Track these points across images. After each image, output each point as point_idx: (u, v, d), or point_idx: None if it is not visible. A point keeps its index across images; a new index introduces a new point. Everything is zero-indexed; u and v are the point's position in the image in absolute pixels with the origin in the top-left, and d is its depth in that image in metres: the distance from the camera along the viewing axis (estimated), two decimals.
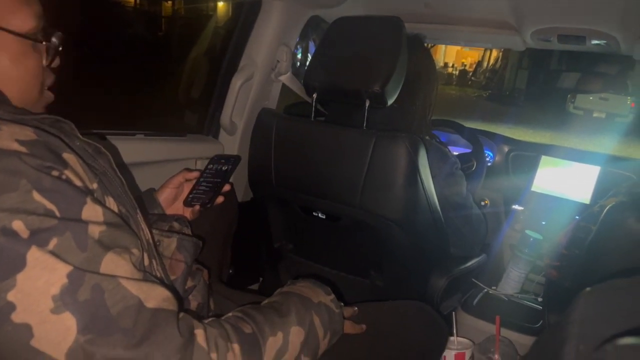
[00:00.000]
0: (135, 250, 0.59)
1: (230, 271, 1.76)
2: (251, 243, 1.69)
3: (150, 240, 0.73)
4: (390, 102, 1.23)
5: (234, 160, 1.10)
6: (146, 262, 0.65)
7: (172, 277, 0.83)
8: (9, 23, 0.63)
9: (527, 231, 1.64)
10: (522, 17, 1.54)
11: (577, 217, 1.52)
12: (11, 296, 0.48)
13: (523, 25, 1.58)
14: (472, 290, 1.62)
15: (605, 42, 1.54)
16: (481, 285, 1.62)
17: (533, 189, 1.78)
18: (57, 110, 0.68)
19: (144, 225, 0.71)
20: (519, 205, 1.80)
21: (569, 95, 11.07)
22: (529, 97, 13.61)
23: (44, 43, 0.68)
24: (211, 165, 1.10)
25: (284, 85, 1.78)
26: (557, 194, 1.73)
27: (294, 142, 1.33)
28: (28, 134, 0.53)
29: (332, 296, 0.85)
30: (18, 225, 0.48)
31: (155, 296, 0.56)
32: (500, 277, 1.69)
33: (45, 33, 0.68)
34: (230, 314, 0.70)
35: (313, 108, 1.34)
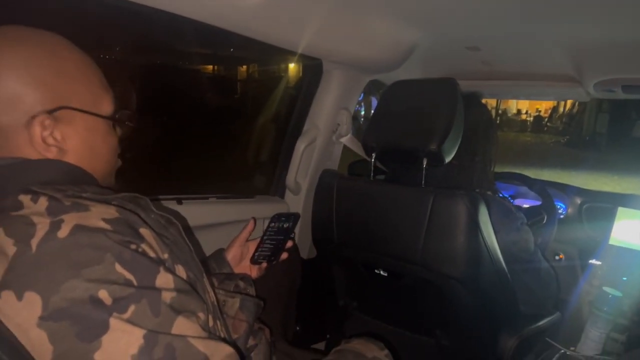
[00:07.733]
0: (201, 314, 0.64)
1: (297, 329, 1.78)
2: (316, 301, 1.72)
3: (215, 302, 0.78)
4: (447, 159, 1.24)
5: (294, 218, 1.16)
6: (210, 322, 0.70)
7: (235, 336, 0.88)
8: (100, 109, 0.73)
9: (605, 288, 1.54)
10: (583, 69, 1.53)
11: None
12: (97, 356, 0.54)
13: (585, 77, 1.56)
14: (547, 351, 1.52)
15: None
16: (557, 345, 1.53)
17: (611, 242, 1.68)
18: (137, 175, 0.77)
19: (209, 288, 0.77)
20: (597, 259, 1.71)
21: None
22: (611, 142, 12.81)
23: (124, 122, 0.79)
24: (273, 224, 1.16)
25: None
26: (639, 247, 1.63)
27: (355, 201, 1.37)
28: (112, 212, 0.61)
29: (386, 351, 0.86)
30: (103, 294, 0.55)
31: (220, 353, 0.61)
32: (579, 336, 1.58)
33: (120, 113, 0.79)
34: None
35: (372, 167, 1.38)
